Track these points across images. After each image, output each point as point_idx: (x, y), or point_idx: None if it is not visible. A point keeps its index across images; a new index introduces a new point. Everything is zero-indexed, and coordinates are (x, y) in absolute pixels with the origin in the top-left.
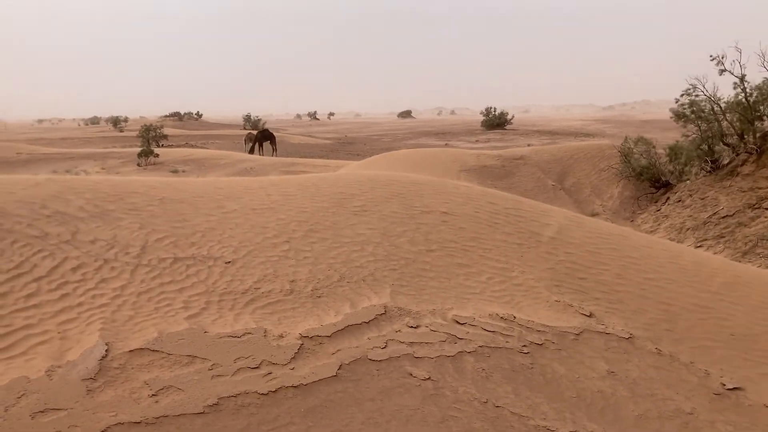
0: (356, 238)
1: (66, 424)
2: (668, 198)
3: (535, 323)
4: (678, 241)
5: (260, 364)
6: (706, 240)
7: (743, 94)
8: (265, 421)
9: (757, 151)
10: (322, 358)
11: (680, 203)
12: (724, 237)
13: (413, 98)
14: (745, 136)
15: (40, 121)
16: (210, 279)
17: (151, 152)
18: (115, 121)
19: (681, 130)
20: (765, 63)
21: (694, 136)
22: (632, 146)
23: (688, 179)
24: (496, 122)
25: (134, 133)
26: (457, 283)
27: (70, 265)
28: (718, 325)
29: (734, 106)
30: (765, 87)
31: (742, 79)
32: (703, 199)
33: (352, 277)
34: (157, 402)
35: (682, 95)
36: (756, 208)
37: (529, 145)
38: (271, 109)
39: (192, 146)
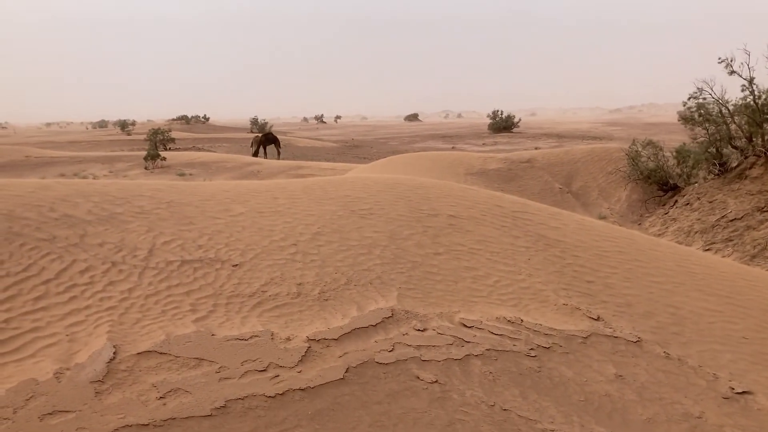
0: (363, 241)
1: (74, 426)
2: (676, 201)
3: (542, 326)
4: (686, 245)
5: (267, 366)
6: (714, 243)
7: (752, 97)
8: (273, 424)
9: (765, 153)
10: (329, 361)
11: (688, 206)
12: (732, 240)
13: (420, 101)
14: (754, 139)
15: (49, 124)
16: (217, 282)
17: (159, 155)
18: (123, 125)
19: (687, 133)
20: None
21: (702, 139)
22: (640, 149)
23: (696, 182)
24: (503, 125)
25: (142, 137)
26: (465, 286)
27: (78, 267)
28: (726, 328)
29: (743, 108)
30: None
31: (750, 81)
32: (711, 202)
33: (359, 280)
34: (164, 404)
35: (689, 98)
36: (765, 212)
37: (536, 149)
38: (278, 112)
39: (199, 149)
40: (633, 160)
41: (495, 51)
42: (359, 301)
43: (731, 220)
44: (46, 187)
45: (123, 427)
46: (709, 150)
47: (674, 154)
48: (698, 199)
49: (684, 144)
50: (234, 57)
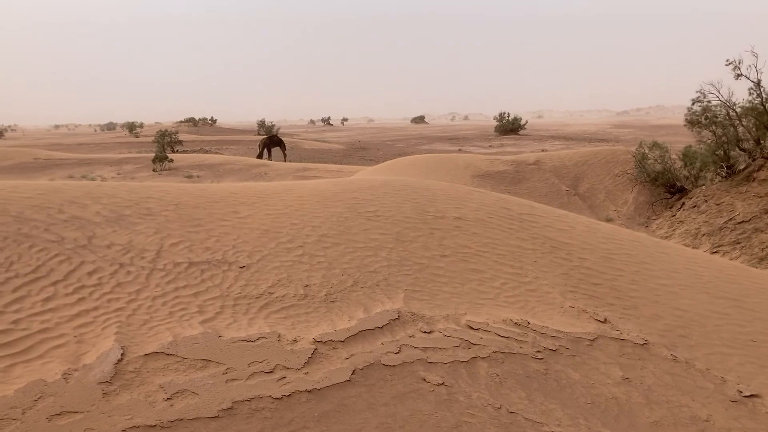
0: (369, 243)
1: (82, 427)
2: (683, 203)
3: (549, 329)
4: (693, 247)
5: (274, 368)
6: (721, 246)
7: (759, 99)
8: (279, 426)
9: None
10: (336, 362)
11: (695, 209)
12: (740, 243)
13: (427, 104)
14: (762, 141)
15: (57, 126)
16: (224, 283)
17: (166, 158)
18: (131, 127)
19: (695, 136)
20: None
21: (709, 141)
22: (647, 151)
23: (703, 184)
24: (509, 127)
25: (149, 139)
26: (471, 288)
27: (87, 269)
28: (734, 331)
29: (750, 111)
30: None
31: (758, 83)
32: (718, 204)
33: (365, 282)
34: (171, 405)
35: (693, 103)
36: None
37: (543, 151)
38: (285, 115)
39: (206, 152)
40: (640, 163)
41: (502, 53)
42: (366, 303)
43: (739, 223)
44: (55, 189)
45: (130, 428)
46: (716, 152)
47: (680, 156)
48: (705, 201)
49: (690, 146)
50: (241, 59)
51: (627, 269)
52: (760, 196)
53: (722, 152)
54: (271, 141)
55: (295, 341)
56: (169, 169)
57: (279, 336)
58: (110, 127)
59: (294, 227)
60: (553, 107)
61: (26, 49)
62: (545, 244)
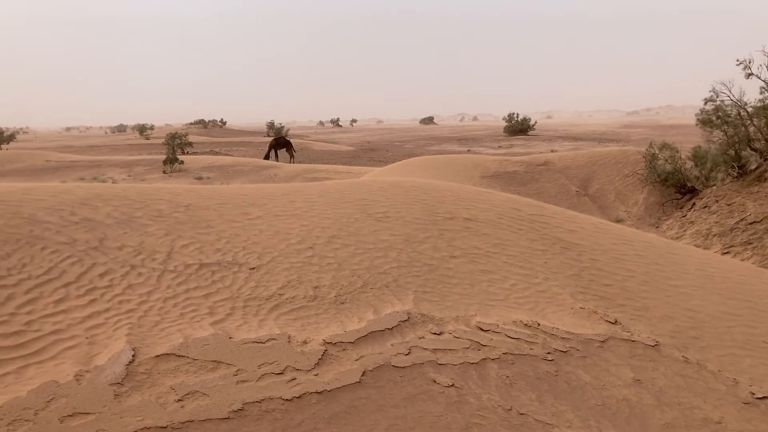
0: (379, 245)
1: (94, 428)
2: (694, 204)
3: (559, 330)
4: (704, 248)
5: (284, 369)
6: (733, 246)
7: None
8: (289, 427)
9: None
10: (346, 364)
11: (706, 209)
12: (751, 243)
13: (436, 104)
14: None
15: (69, 129)
16: (235, 285)
17: (177, 159)
18: (141, 129)
19: (706, 136)
20: None
21: (720, 141)
22: (657, 151)
23: (714, 185)
24: (518, 128)
25: (160, 141)
26: (481, 289)
27: (98, 271)
28: (746, 332)
29: (761, 110)
30: None
31: None
32: (729, 204)
33: (375, 283)
34: (182, 407)
35: (705, 102)
36: None
37: (552, 151)
38: (294, 116)
39: (216, 153)
40: (650, 163)
41: (511, 53)
42: (375, 305)
43: (750, 223)
44: (66, 191)
45: (142, 429)
46: (727, 152)
47: (689, 154)
48: (716, 201)
49: (700, 147)
50: (250, 60)
51: (638, 270)
52: None
53: (733, 152)
54: (278, 142)
55: (305, 343)
56: (180, 171)
57: (289, 337)
58: (121, 129)
59: (304, 228)
60: (562, 107)
61: (38, 51)
62: (555, 244)
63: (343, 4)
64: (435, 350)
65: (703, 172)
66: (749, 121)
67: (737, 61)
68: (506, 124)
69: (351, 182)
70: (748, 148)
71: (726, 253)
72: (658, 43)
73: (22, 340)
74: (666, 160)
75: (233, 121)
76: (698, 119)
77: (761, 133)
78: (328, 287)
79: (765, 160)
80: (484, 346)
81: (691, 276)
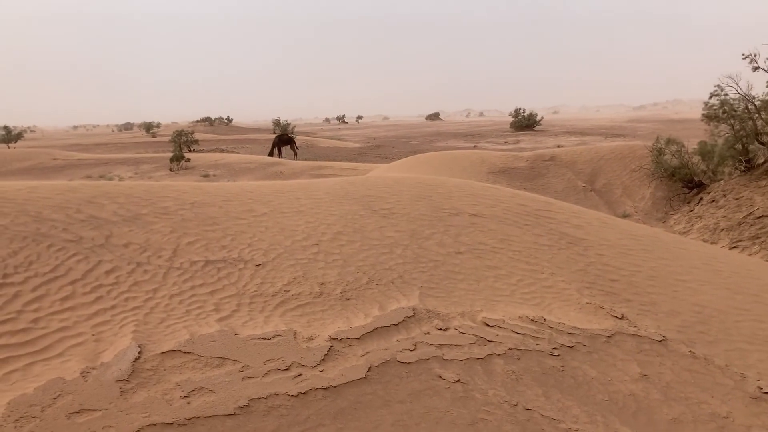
0: (384, 241)
1: (100, 425)
2: (701, 198)
3: (565, 325)
4: (712, 242)
5: (290, 366)
6: (741, 241)
7: None
8: (295, 423)
9: None
10: (352, 360)
11: (714, 203)
12: (759, 238)
13: (442, 100)
14: None
15: (75, 127)
16: (240, 282)
17: (183, 157)
18: (148, 127)
19: (713, 130)
20: None
21: (726, 135)
22: (663, 146)
23: (721, 179)
24: (525, 123)
25: (166, 139)
26: (487, 285)
27: (104, 268)
28: (754, 327)
29: None
30: None
31: None
32: (737, 199)
33: (380, 279)
34: (188, 403)
35: (711, 97)
36: None
37: (559, 146)
38: (300, 114)
39: (222, 151)
40: (657, 158)
41: (517, 49)
42: (381, 301)
43: (758, 218)
44: (73, 189)
45: (148, 425)
46: (734, 146)
47: (695, 149)
48: (724, 196)
49: (706, 142)
50: (256, 58)
51: (644, 265)
52: None
53: (741, 146)
54: (281, 140)
55: (310, 339)
56: (186, 169)
57: (295, 334)
58: (127, 127)
59: (309, 225)
60: (569, 103)
61: (45, 49)
62: (561, 240)
63: (348, 3)
64: (440, 346)
65: (710, 167)
66: (757, 115)
67: (743, 54)
68: (512, 119)
69: (356, 179)
70: (756, 142)
71: (734, 247)
72: (665, 38)
73: (29, 338)
74: (673, 155)
75: (239, 118)
76: (704, 114)
77: None
78: (333, 283)
79: None
80: (490, 341)
81: (698, 271)
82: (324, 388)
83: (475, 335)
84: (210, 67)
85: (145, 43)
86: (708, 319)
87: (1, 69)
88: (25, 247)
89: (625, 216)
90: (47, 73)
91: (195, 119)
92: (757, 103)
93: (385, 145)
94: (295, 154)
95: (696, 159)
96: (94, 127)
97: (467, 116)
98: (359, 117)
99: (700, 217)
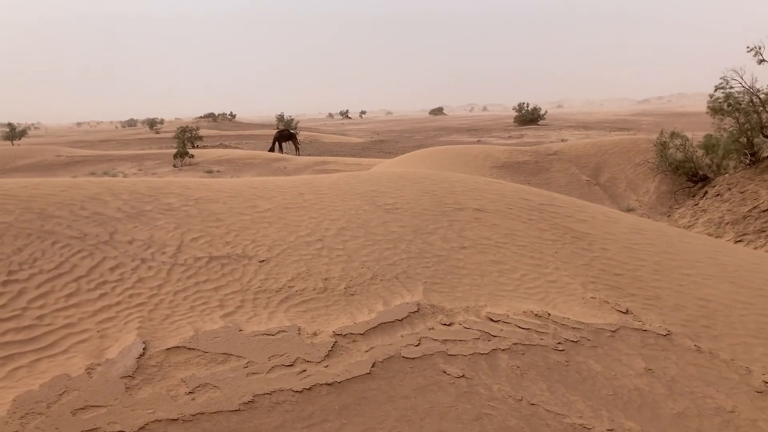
0: (388, 236)
1: (106, 421)
2: (706, 192)
3: (570, 320)
4: (717, 236)
5: (294, 361)
6: (746, 234)
7: None
8: (300, 419)
9: None
10: (356, 355)
11: (719, 197)
12: (765, 231)
13: (445, 95)
14: None
15: (79, 124)
16: (245, 278)
17: (187, 153)
18: (152, 123)
19: (718, 124)
20: None
21: (731, 128)
22: (668, 140)
23: (726, 173)
24: (529, 118)
25: (170, 135)
26: (491, 280)
27: (109, 264)
28: (760, 321)
29: None
30: None
31: None
32: (742, 192)
33: (384, 274)
34: (193, 399)
35: (716, 90)
36: None
37: (563, 140)
38: (303, 109)
39: (226, 147)
40: (661, 151)
41: (521, 43)
42: (385, 296)
43: (763, 211)
44: (77, 185)
45: (153, 421)
46: (739, 140)
47: (702, 144)
48: (729, 189)
49: (711, 135)
50: (259, 54)
51: (649, 259)
52: None
53: (745, 139)
54: (282, 135)
55: (315, 334)
56: (190, 165)
57: (299, 329)
58: (131, 123)
59: (313, 221)
60: (572, 96)
61: (48, 47)
62: (566, 234)
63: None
64: (445, 341)
65: (715, 160)
66: (762, 108)
67: (748, 47)
68: (516, 113)
69: (360, 174)
70: (761, 135)
71: (739, 241)
72: (668, 30)
73: (34, 334)
74: (677, 149)
75: (243, 114)
76: (708, 107)
77: None
78: (337, 279)
79: None
80: (495, 336)
81: (703, 265)
82: (328, 384)
83: (480, 330)
84: (214, 64)
85: (150, 42)
86: (713, 313)
87: (4, 70)
88: (29, 244)
89: (630, 210)
90: (51, 70)
91: (198, 115)
92: (761, 96)
93: (388, 140)
94: (297, 150)
95: (700, 152)
96: (98, 123)
97: (471, 111)
98: (363, 112)
99: (704, 210)
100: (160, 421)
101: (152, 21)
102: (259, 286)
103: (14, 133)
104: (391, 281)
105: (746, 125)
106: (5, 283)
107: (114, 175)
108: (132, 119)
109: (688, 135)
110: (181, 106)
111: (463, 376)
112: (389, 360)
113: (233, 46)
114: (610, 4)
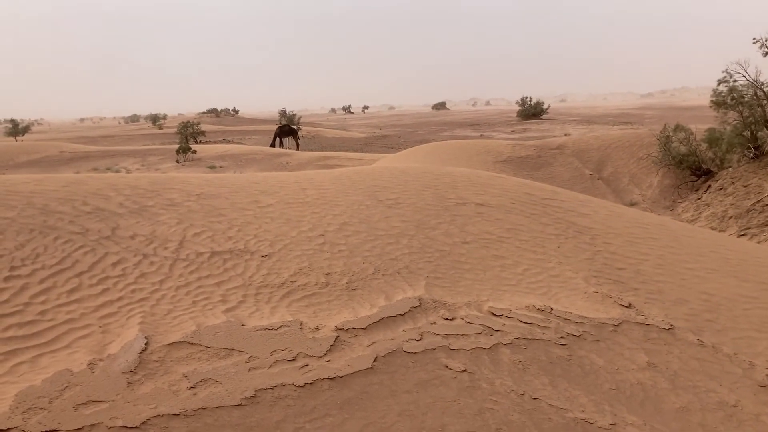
0: (390, 231)
1: (108, 416)
2: (709, 186)
3: (572, 315)
4: (720, 230)
5: (296, 356)
6: (749, 228)
7: None
8: (302, 413)
9: None
10: (358, 350)
11: (722, 191)
12: None
13: (448, 90)
14: None
15: (82, 119)
16: (247, 273)
17: (189, 149)
18: (154, 119)
19: (721, 117)
20: None
21: (735, 122)
22: (671, 134)
23: (730, 166)
24: (532, 112)
25: (173, 130)
26: (493, 274)
27: (111, 260)
28: (762, 315)
29: None
30: None
31: None
32: (746, 186)
33: (386, 269)
34: (195, 394)
35: (719, 84)
36: None
37: (566, 135)
38: (306, 104)
39: (229, 142)
40: (664, 145)
41: (524, 37)
42: (387, 291)
43: (767, 205)
44: (79, 181)
45: (155, 416)
46: (743, 133)
47: (704, 136)
48: (732, 183)
49: (714, 129)
50: (261, 50)
51: (652, 253)
52: None
53: (749, 133)
54: (282, 131)
55: (317, 329)
56: (193, 160)
57: (301, 324)
58: (134, 119)
59: (315, 216)
60: (576, 90)
61: (50, 42)
62: (568, 229)
63: None
64: (447, 336)
65: (719, 154)
66: (765, 101)
67: (753, 39)
68: (519, 108)
69: (362, 169)
70: (765, 129)
71: (742, 235)
72: (672, 24)
73: (36, 330)
74: (680, 142)
75: (245, 109)
76: (712, 100)
77: None
78: (339, 274)
79: None
80: (497, 331)
81: (706, 259)
82: (330, 379)
83: (482, 325)
84: (216, 59)
85: (152, 36)
86: (716, 307)
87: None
88: (32, 240)
89: (633, 204)
90: (55, 67)
91: (201, 111)
92: (766, 89)
93: (391, 135)
94: (297, 145)
95: (704, 146)
96: (101, 119)
97: (473, 105)
98: (365, 107)
99: (708, 204)
100: (162, 416)
101: (156, 15)
102: (262, 281)
103: (17, 129)
104: (393, 276)
105: (750, 119)
106: (8, 278)
107: (117, 171)
108: (135, 115)
109: (692, 128)
110: (184, 102)
111: (465, 370)
112: (391, 354)
113: (237, 42)
114: (616, 3)
